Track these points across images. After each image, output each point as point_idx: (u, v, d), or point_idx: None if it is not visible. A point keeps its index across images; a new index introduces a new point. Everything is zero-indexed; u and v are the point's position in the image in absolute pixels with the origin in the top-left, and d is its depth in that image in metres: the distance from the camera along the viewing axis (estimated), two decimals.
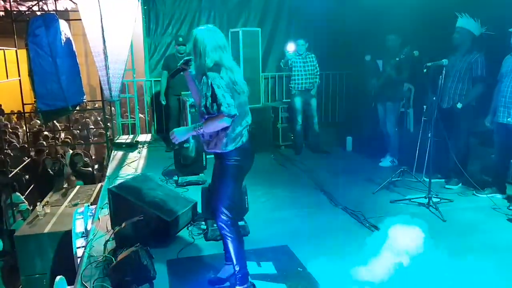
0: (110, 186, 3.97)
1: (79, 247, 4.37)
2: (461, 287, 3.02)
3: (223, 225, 2.86)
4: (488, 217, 4.30)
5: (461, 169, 4.88)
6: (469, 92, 4.93)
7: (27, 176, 8.17)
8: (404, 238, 3.40)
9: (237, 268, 2.89)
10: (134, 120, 8.68)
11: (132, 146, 7.20)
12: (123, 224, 3.32)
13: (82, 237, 4.55)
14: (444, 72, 4.52)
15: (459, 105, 4.90)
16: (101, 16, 6.22)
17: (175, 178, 5.46)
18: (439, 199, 4.62)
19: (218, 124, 2.72)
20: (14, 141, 9.92)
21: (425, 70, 4.50)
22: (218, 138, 2.80)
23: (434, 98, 4.59)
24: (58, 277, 3.30)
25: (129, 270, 2.76)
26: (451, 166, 5.10)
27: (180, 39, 6.83)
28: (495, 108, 4.64)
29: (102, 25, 6.26)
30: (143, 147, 7.26)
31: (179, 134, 2.85)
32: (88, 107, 11.40)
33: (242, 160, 2.87)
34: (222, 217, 2.85)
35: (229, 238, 2.87)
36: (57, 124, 10.78)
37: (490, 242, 3.72)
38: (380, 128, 6.25)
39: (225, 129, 2.75)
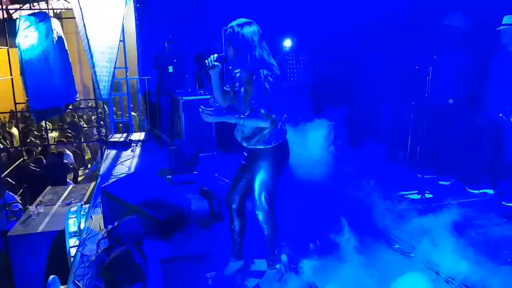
0: (103, 185, 3.96)
1: (72, 247, 4.35)
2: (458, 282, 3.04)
3: (261, 216, 2.93)
4: (481, 213, 4.32)
5: (453, 164, 4.92)
6: (458, 88, 4.96)
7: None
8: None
9: (271, 252, 3.04)
10: (127, 119, 8.65)
11: (125, 145, 7.18)
12: (116, 223, 3.31)
13: (75, 236, 4.53)
14: (431, 69, 4.57)
15: (450, 101, 4.93)
16: (81, 14, 6.15)
17: (169, 176, 5.44)
18: (432, 195, 4.65)
19: (258, 124, 2.74)
20: (4, 142, 9.87)
21: (417, 67, 4.53)
22: (261, 135, 2.81)
23: (426, 95, 4.62)
24: (51, 277, 3.28)
25: (121, 269, 2.76)
26: (443, 162, 5.13)
27: (170, 36, 6.82)
28: (487, 104, 4.67)
29: (84, 23, 6.20)
30: (136, 145, 7.24)
31: (214, 115, 2.74)
32: (81, 105, 11.35)
33: (283, 155, 2.92)
34: (261, 209, 2.91)
35: (266, 227, 2.96)
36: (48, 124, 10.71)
37: (484, 237, 3.75)
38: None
39: None
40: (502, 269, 3.21)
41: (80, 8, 6.12)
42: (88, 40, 6.25)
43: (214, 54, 2.82)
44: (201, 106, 2.75)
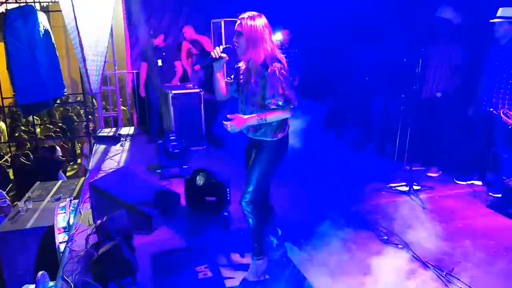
0: (92, 180, 3.94)
1: (61, 242, 4.33)
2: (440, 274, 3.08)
3: (250, 207, 2.91)
4: (468, 203, 4.38)
5: (442, 156, 4.97)
6: (448, 81, 4.98)
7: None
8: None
9: (255, 244, 3.01)
10: (116, 113, 8.60)
11: (114, 139, 7.13)
12: (105, 218, 3.30)
13: (64, 232, 4.51)
14: (421, 61, 4.56)
15: (438, 94, 4.95)
16: (73, 5, 6.08)
17: (159, 171, 5.43)
18: (420, 187, 4.69)
19: (281, 116, 2.78)
20: None
21: (405, 60, 4.55)
22: (269, 126, 2.82)
23: (414, 87, 4.64)
24: (40, 273, 3.27)
25: (110, 264, 2.75)
26: (431, 154, 5.17)
27: (151, 31, 6.81)
28: (478, 98, 4.69)
29: (75, 15, 6.12)
30: (125, 140, 7.20)
31: (239, 125, 2.72)
32: (69, 100, 11.25)
33: (284, 148, 2.95)
34: (251, 200, 2.89)
35: (252, 218, 2.93)
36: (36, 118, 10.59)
37: (469, 228, 3.80)
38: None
39: None
40: (487, 259, 3.26)
41: (72, 1, 6.04)
42: (79, 33, 6.18)
43: (220, 46, 2.79)
44: (223, 121, 2.74)
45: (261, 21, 2.74)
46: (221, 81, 2.94)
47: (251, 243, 3.05)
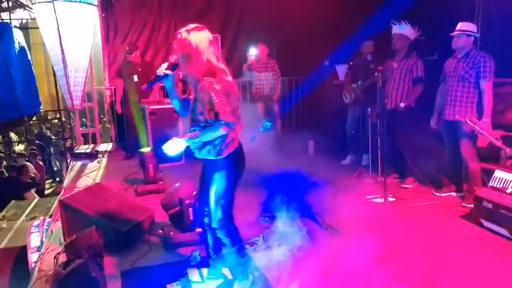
0: (62, 197, 3.89)
1: (34, 262, 4.24)
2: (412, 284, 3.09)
3: (217, 228, 2.87)
4: (442, 214, 4.42)
5: (416, 168, 5.03)
6: (410, 92, 5.12)
7: None
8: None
9: (237, 264, 2.95)
10: (94, 130, 8.52)
11: (91, 156, 7.06)
12: (74, 236, 3.25)
13: (37, 251, 4.42)
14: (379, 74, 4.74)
15: (402, 104, 5.06)
16: (57, 23, 6.09)
17: (135, 187, 5.38)
18: (394, 198, 4.73)
19: (215, 134, 2.61)
20: None
21: (376, 74, 4.63)
22: (212, 145, 2.70)
23: (386, 100, 4.73)
24: None
25: (76, 283, 2.70)
26: (404, 166, 5.23)
27: (127, 47, 6.85)
28: (440, 109, 4.80)
29: (59, 33, 6.13)
30: (103, 156, 7.13)
31: (173, 148, 2.59)
32: (49, 117, 11.15)
33: (236, 164, 2.79)
34: (217, 221, 2.84)
35: (228, 240, 2.89)
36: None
37: (441, 239, 3.84)
38: (347, 129, 6.36)
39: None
40: (459, 269, 3.29)
41: (56, 18, 6.04)
42: (62, 50, 6.17)
43: (164, 63, 2.74)
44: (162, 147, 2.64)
45: (196, 34, 2.62)
46: (176, 99, 2.85)
47: (232, 266, 2.98)
